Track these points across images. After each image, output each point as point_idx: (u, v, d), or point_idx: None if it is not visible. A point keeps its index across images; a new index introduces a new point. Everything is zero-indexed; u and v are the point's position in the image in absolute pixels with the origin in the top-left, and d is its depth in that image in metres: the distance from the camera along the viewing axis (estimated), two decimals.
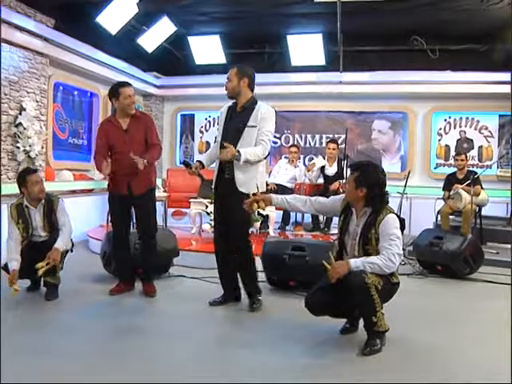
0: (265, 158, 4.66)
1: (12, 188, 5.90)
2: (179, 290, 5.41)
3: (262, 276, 5.38)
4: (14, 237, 4.85)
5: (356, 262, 3.62)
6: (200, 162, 4.75)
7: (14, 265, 4.67)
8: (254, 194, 4.10)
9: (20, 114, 6.97)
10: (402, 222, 3.81)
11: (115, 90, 4.98)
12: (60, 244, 4.79)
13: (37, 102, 7.37)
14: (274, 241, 5.82)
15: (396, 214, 3.80)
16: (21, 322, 4.25)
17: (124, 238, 5.24)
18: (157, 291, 5.16)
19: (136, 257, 5.37)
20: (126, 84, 5.06)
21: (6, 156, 6.86)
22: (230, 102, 4.78)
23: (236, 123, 4.59)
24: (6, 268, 4.79)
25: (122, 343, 3.82)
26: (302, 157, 10.33)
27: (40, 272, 4.64)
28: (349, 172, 3.98)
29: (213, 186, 4.82)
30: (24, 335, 3.89)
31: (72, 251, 5.13)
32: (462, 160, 7.84)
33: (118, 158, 4.99)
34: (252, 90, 4.68)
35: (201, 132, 11.50)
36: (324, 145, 9.99)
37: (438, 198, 7.86)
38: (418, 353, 3.69)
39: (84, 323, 4.26)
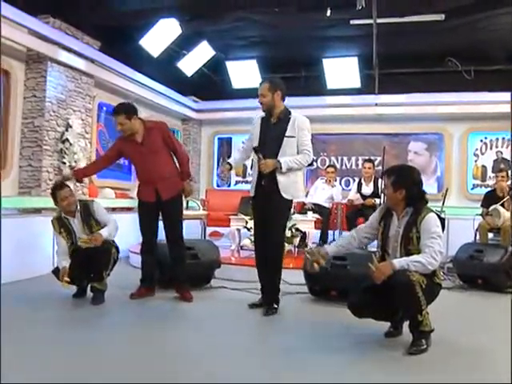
0: (309, 165, 4.78)
1: None
2: (220, 296, 5.48)
3: (304, 287, 5.51)
4: (61, 246, 5.13)
5: (400, 262, 3.64)
6: (229, 163, 4.99)
7: (64, 263, 4.94)
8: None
9: (66, 130, 7.24)
10: (442, 221, 3.84)
11: None
12: (104, 232, 5.00)
13: (82, 120, 7.63)
14: None
15: (437, 214, 3.85)
16: (70, 321, 4.41)
17: (150, 243, 5.38)
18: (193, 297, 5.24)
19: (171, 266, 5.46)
20: (113, 111, 5.15)
21: (53, 171, 7.12)
22: (261, 114, 4.88)
23: (273, 134, 4.71)
24: (56, 272, 4.99)
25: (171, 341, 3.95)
26: (338, 178, 10.35)
27: (82, 245, 4.94)
28: (385, 178, 4.05)
29: (251, 195, 4.93)
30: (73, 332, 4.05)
31: (118, 258, 5.26)
32: (503, 177, 7.80)
33: (139, 170, 5.27)
34: (284, 101, 4.79)
35: None
36: (360, 167, 10.05)
37: (477, 214, 7.80)
38: (465, 354, 3.69)
39: (129, 324, 4.43)
